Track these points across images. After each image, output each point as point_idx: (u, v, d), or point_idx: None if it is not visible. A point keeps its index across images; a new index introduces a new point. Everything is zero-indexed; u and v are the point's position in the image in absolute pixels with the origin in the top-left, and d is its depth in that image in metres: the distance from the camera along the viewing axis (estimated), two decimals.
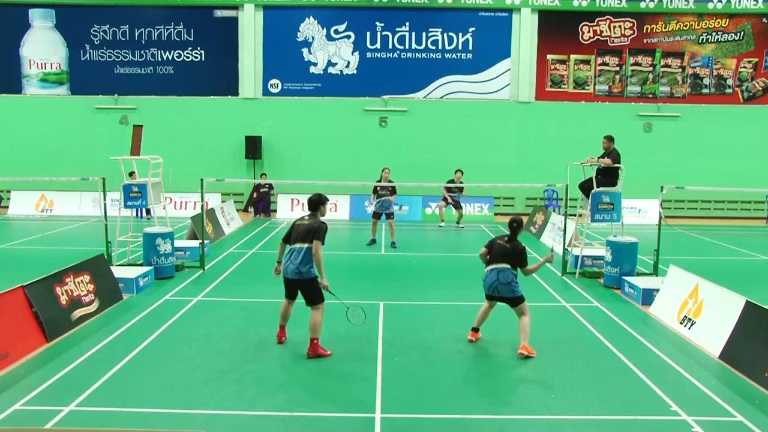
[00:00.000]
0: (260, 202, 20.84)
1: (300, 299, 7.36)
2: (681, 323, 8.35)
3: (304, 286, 7.21)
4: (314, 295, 7.21)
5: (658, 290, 9.45)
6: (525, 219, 19.17)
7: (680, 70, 21.60)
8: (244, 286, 10.69)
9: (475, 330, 7.82)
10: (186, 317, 8.72)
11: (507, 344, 7.67)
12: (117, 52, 21.76)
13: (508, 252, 7.42)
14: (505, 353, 7.39)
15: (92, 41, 21.73)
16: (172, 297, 9.80)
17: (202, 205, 12.32)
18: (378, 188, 14.70)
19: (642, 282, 10.07)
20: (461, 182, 18.02)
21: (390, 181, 14.77)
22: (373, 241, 15.07)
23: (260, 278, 11.46)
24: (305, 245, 7.08)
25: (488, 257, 7.58)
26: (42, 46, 21.80)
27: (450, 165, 20.70)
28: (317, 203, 7.37)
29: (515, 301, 7.44)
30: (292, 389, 6.26)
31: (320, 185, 18.38)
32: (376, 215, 14.94)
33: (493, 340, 7.85)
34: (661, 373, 6.81)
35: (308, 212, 7.42)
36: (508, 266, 7.39)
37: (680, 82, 21.65)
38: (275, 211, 20.92)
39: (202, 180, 12.15)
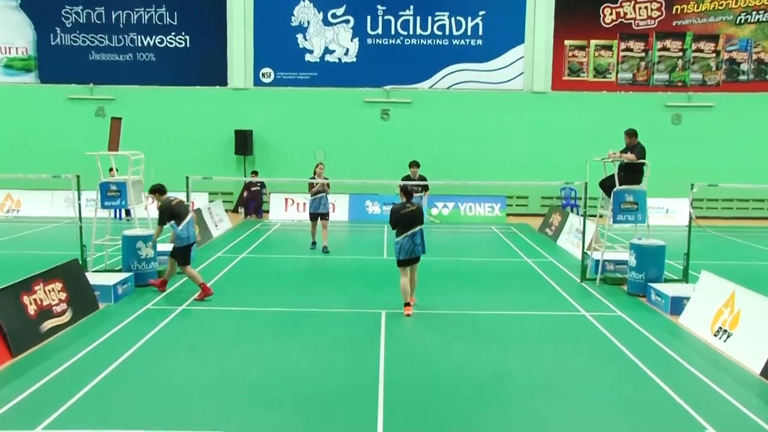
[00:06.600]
0: (251, 202, 20.83)
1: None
2: (715, 335, 8.31)
3: None
4: None
5: (688, 298, 9.41)
6: (540, 220, 19.16)
7: (714, 54, 21.54)
8: (232, 294, 10.67)
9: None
10: (169, 327, 8.70)
11: (519, 359, 7.65)
12: (92, 37, 21.77)
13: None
14: (518, 369, 7.37)
15: (63, 24, 21.73)
16: (154, 306, 9.79)
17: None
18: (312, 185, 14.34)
19: (670, 289, 10.03)
20: (420, 178, 15.27)
21: (325, 178, 14.43)
22: (314, 244, 14.49)
23: (250, 285, 11.46)
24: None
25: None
26: (5, 29, 21.70)
27: (458, 161, 20.71)
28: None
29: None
30: (285, 406, 6.23)
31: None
32: (313, 216, 14.57)
33: (505, 354, 7.83)
34: (693, 390, 6.77)
35: None
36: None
37: (714, 69, 21.61)
38: (267, 211, 20.90)
39: (187, 178, 12.16)
